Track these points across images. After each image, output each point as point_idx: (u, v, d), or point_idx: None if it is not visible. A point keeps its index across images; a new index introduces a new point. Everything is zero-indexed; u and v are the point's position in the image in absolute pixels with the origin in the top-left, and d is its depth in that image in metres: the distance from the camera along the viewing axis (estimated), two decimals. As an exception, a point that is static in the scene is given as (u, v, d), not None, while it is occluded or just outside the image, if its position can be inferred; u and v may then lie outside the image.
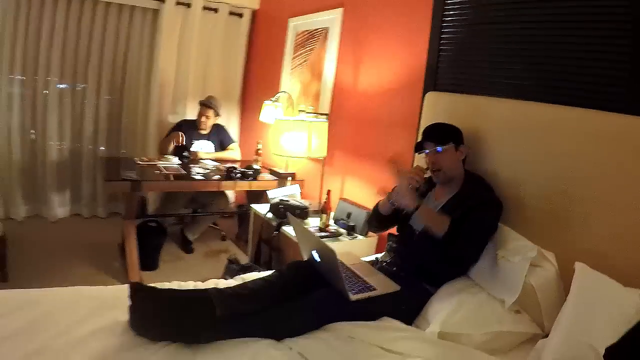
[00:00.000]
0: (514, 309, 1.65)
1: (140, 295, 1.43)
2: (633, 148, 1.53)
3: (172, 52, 4.36)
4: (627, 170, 1.55)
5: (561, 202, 1.74)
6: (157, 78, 4.30)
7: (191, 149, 3.86)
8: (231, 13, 4.59)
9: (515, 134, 1.93)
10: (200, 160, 3.79)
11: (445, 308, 1.66)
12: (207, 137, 4.05)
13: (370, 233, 2.74)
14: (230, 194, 4.32)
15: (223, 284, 1.87)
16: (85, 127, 4.28)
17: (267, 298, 1.64)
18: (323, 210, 2.75)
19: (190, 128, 3.97)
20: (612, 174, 1.59)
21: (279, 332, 1.51)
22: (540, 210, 1.82)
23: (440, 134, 1.95)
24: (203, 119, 3.95)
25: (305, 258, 1.93)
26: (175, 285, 1.79)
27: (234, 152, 4.15)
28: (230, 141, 4.20)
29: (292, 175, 3.65)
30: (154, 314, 1.41)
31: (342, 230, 2.73)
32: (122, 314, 1.42)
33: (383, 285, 1.80)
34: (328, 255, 1.63)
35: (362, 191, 3.03)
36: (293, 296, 1.65)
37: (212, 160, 3.87)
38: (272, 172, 3.73)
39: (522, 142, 1.91)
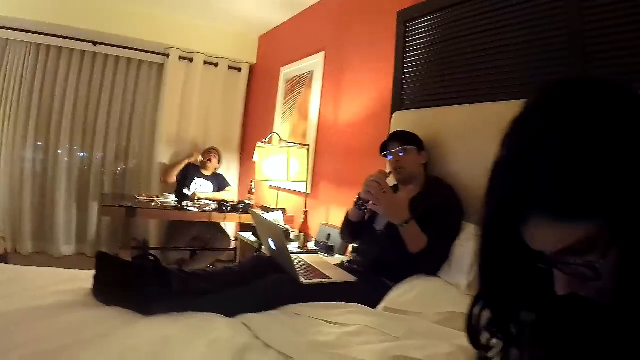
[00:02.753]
0: (472, 294, 1.67)
1: (104, 263, 1.55)
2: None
3: (175, 103, 4.71)
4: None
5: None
6: (161, 127, 4.63)
7: (190, 188, 4.08)
8: (230, 67, 4.98)
9: (471, 134, 2.03)
10: (198, 200, 3.98)
11: (398, 291, 1.73)
12: (207, 178, 4.31)
13: (348, 252, 2.82)
14: (231, 234, 4.46)
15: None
16: (93, 171, 4.61)
17: (224, 281, 1.72)
18: (301, 230, 2.86)
19: (193, 169, 4.26)
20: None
21: (231, 311, 1.56)
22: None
23: (404, 137, 2.11)
24: (209, 158, 4.30)
25: (268, 254, 2.04)
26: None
27: (229, 194, 4.34)
28: (227, 185, 4.43)
29: (283, 210, 3.77)
30: (113, 281, 1.51)
31: (320, 250, 2.82)
32: (90, 284, 1.53)
33: (339, 276, 1.88)
34: (278, 236, 1.74)
35: (343, 216, 3.14)
36: (250, 281, 1.75)
37: (209, 200, 4.05)
38: (263, 208, 3.88)
39: (477, 141, 1.98)
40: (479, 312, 0.69)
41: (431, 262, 1.86)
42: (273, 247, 1.86)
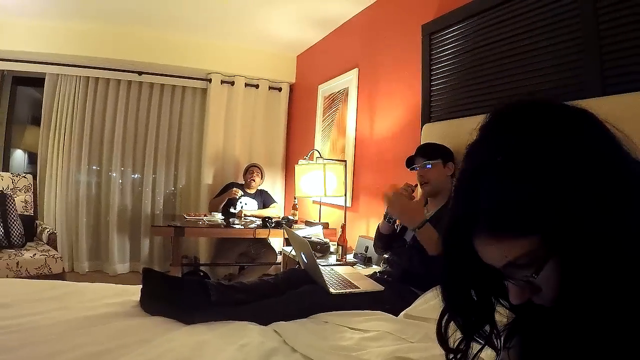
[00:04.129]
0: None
1: (149, 278, 1.73)
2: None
3: (219, 125, 4.96)
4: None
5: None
6: (207, 148, 4.90)
7: (237, 206, 4.26)
8: (271, 88, 5.19)
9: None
10: (244, 217, 4.15)
11: (421, 299, 1.80)
12: (252, 196, 4.48)
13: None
14: (277, 249, 4.60)
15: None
16: (144, 193, 4.92)
17: (259, 293, 1.87)
18: (339, 243, 2.97)
19: (237, 188, 4.41)
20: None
21: (265, 319, 1.69)
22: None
23: (429, 151, 2.19)
24: (252, 178, 4.45)
25: (302, 267, 2.16)
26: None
27: (275, 210, 4.49)
28: (272, 202, 4.59)
29: (325, 225, 3.89)
30: (158, 294, 1.69)
31: (358, 262, 2.90)
32: (138, 297, 1.71)
33: (367, 286, 1.97)
34: (307, 251, 1.85)
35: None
36: (283, 292, 1.87)
37: (255, 217, 4.22)
38: (307, 223, 4.01)
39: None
40: (446, 324, 0.77)
41: None
42: (305, 260, 1.98)
